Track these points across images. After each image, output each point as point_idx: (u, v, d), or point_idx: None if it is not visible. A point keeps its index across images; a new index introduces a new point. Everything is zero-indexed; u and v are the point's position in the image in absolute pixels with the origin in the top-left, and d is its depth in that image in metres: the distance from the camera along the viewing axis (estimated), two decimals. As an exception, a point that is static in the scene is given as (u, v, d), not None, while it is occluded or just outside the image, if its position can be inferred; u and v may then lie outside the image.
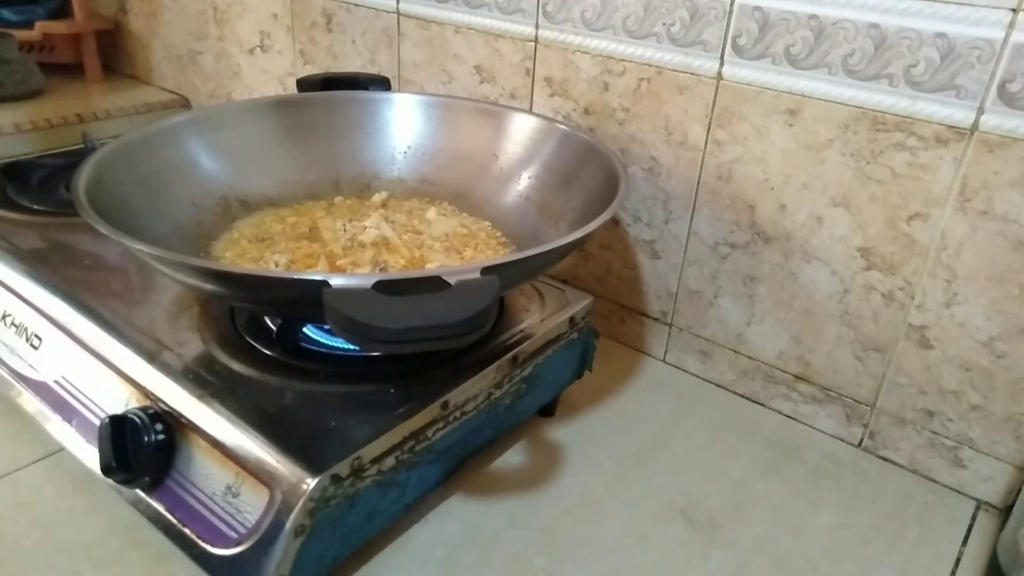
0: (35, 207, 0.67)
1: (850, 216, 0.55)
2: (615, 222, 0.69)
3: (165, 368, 0.46)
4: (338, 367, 0.49)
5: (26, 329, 0.53)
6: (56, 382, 0.50)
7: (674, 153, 0.63)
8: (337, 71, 0.84)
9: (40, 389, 0.50)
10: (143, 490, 0.43)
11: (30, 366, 0.51)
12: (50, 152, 0.82)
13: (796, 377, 0.62)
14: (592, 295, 0.58)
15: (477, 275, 0.38)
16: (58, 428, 0.48)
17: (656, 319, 0.69)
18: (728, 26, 0.56)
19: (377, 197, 0.64)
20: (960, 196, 0.50)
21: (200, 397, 0.44)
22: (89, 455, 0.45)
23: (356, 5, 0.82)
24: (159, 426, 0.43)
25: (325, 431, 0.42)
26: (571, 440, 0.59)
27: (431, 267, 0.53)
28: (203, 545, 0.40)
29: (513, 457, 0.57)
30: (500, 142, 0.65)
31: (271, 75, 0.97)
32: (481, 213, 0.63)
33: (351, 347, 0.49)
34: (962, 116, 0.49)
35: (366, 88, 0.69)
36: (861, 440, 0.60)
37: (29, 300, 0.53)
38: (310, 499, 0.38)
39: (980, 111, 0.48)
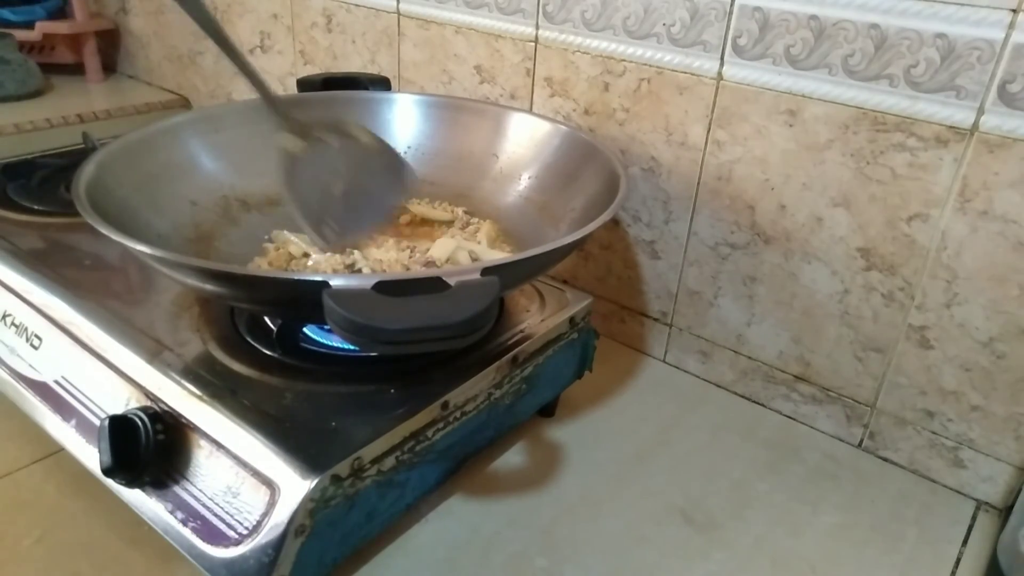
0: (35, 207, 0.67)
1: (850, 216, 0.55)
2: (615, 222, 0.69)
3: (165, 368, 0.46)
4: (338, 367, 0.49)
5: (26, 329, 0.53)
6: (56, 382, 0.50)
7: (674, 153, 0.63)
8: (337, 71, 0.84)
9: (40, 389, 0.50)
10: (143, 490, 0.43)
11: (30, 366, 0.51)
12: (50, 152, 0.82)
13: (796, 377, 0.62)
14: (592, 295, 0.58)
15: (477, 275, 0.38)
16: (58, 428, 0.48)
17: (656, 319, 0.69)
18: (728, 26, 0.56)
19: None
20: (960, 196, 0.50)
21: (200, 397, 0.44)
22: (89, 455, 0.45)
23: (356, 5, 0.82)
24: (159, 426, 0.43)
25: (325, 431, 0.42)
26: (571, 440, 0.59)
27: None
28: (203, 545, 0.40)
29: (513, 457, 0.57)
30: (500, 142, 0.65)
31: (271, 75, 0.97)
32: (481, 213, 0.63)
33: (351, 347, 0.49)
34: (962, 116, 0.49)
35: (366, 88, 0.69)
36: (861, 440, 0.60)
37: (29, 300, 0.53)
38: (310, 499, 0.38)
39: (980, 111, 0.48)
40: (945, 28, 0.48)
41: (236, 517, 0.40)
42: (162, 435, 0.43)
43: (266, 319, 0.52)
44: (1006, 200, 0.49)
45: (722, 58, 0.58)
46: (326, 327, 0.48)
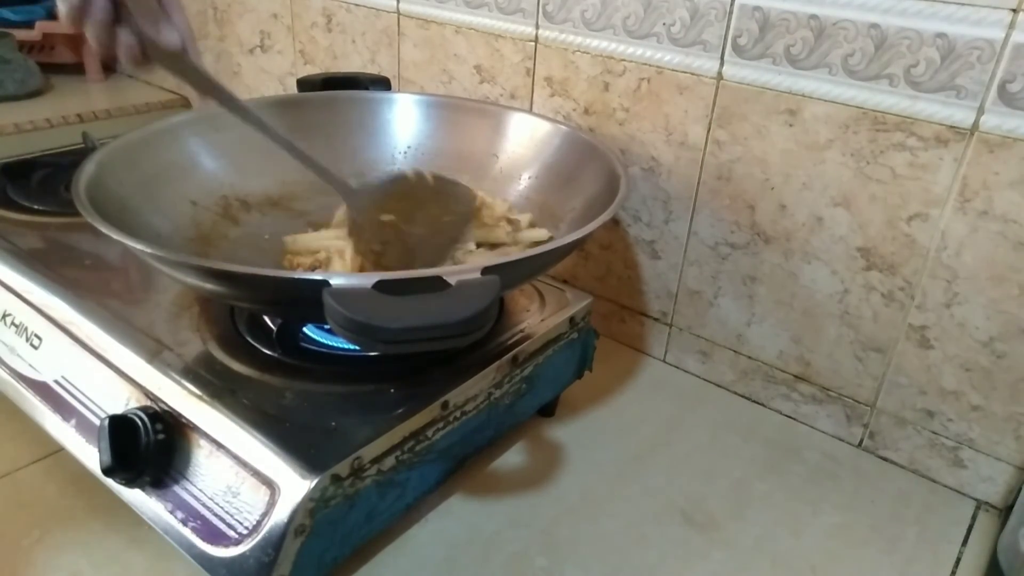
0: (35, 207, 0.67)
1: (850, 216, 0.55)
2: (615, 222, 0.69)
3: (165, 368, 0.46)
4: (338, 367, 0.49)
5: (26, 329, 0.53)
6: (56, 382, 0.50)
7: (674, 153, 0.63)
8: (337, 71, 0.84)
9: (40, 389, 0.50)
10: (143, 490, 0.43)
11: (30, 366, 0.51)
12: (50, 152, 0.82)
13: (796, 377, 0.62)
14: (592, 295, 0.58)
15: (477, 275, 0.38)
16: (58, 428, 0.48)
17: (656, 319, 0.69)
18: (728, 26, 0.56)
19: None
20: (960, 196, 0.50)
21: (200, 397, 0.44)
22: (89, 455, 0.45)
23: (356, 5, 0.82)
24: (159, 426, 0.43)
25: (325, 431, 0.42)
26: (571, 440, 0.59)
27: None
28: (203, 545, 0.40)
29: (513, 457, 0.57)
30: (500, 142, 0.65)
31: (271, 75, 0.97)
32: (481, 213, 0.63)
33: (351, 347, 0.49)
34: (962, 116, 0.49)
35: (366, 88, 0.69)
36: (861, 440, 0.60)
37: (29, 300, 0.53)
38: (310, 499, 0.38)
39: (980, 111, 0.48)
40: (945, 28, 0.48)
41: (236, 517, 0.40)
42: (162, 435, 0.43)
43: (266, 319, 0.52)
44: (1006, 200, 0.48)
45: (722, 58, 0.58)
46: (326, 326, 0.48)
